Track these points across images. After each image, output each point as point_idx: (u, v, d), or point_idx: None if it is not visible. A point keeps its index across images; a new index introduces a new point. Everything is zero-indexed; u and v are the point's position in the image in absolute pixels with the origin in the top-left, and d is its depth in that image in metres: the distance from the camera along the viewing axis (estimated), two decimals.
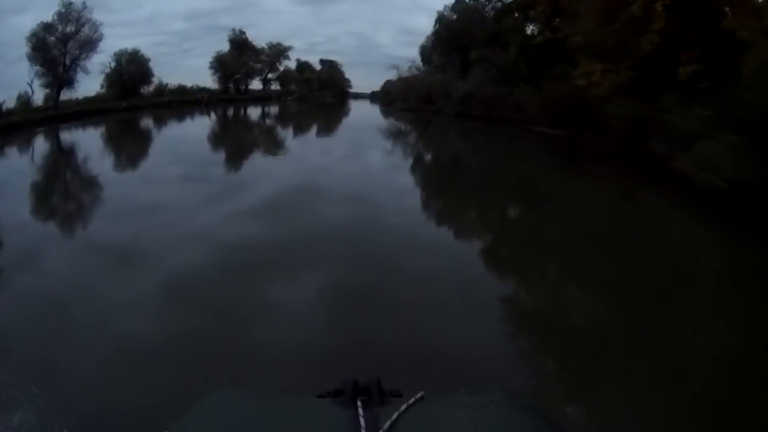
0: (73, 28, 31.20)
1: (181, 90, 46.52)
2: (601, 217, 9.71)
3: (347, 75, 71.67)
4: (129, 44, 41.70)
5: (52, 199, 10.83)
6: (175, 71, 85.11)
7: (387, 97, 57.54)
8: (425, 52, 46.08)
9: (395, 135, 26.26)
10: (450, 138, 26.74)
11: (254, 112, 42.60)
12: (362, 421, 0.73)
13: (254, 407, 0.84)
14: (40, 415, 3.12)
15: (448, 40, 38.39)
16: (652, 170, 12.56)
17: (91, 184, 12.16)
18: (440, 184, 13.48)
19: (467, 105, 32.17)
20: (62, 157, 16.89)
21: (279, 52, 57.39)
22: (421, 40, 46.68)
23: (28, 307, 4.87)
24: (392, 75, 51.41)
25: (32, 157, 17.05)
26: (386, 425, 0.72)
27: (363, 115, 46.18)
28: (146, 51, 42.27)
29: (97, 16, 32.24)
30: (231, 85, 53.96)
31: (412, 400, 0.80)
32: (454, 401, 0.88)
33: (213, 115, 37.37)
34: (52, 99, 30.75)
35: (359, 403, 0.79)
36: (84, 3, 31.30)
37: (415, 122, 34.45)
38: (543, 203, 11.00)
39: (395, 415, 0.74)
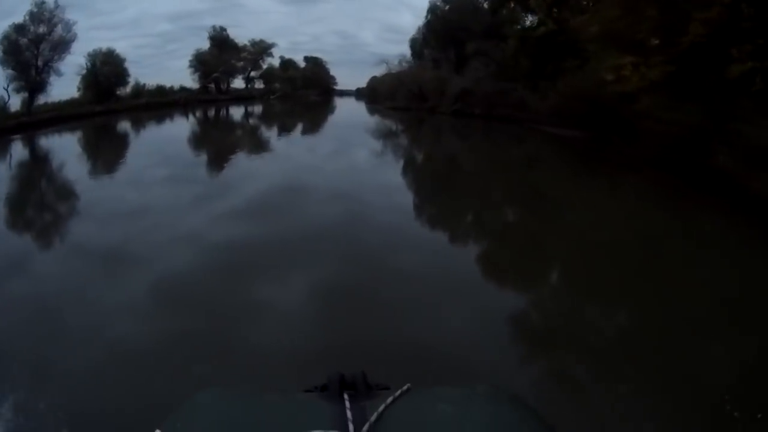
0: (45, 29, 29.94)
1: (160, 91, 44.64)
2: (658, 252, 7.20)
3: (332, 72, 71.16)
4: (113, 46, 40.60)
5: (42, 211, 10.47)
6: (160, 73, 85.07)
7: (373, 95, 56.49)
8: (416, 46, 43.59)
9: (386, 138, 23.66)
10: (448, 140, 24.59)
11: (236, 113, 40.98)
12: (349, 414, 0.75)
13: (242, 404, 0.86)
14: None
15: (442, 33, 36.22)
16: (711, 187, 10.24)
17: (72, 194, 11.52)
18: (440, 198, 11.45)
19: (465, 102, 30.26)
20: (44, 169, 15.80)
21: (262, 49, 55.64)
22: (406, 37, 45.35)
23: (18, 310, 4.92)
24: (380, 71, 48.74)
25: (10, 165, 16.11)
26: (373, 417, 0.74)
27: (349, 113, 44.38)
28: (130, 53, 41.45)
29: (81, 18, 31.39)
30: (212, 85, 52.35)
31: (398, 392, 0.83)
32: (439, 393, 0.91)
33: (191, 117, 35.49)
34: (27, 104, 29.46)
35: (346, 397, 0.81)
36: (56, 1, 30.05)
37: (408, 121, 32.55)
38: (570, 227, 8.76)
39: (381, 408, 0.77)
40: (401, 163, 16.63)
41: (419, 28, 42.44)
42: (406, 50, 45.35)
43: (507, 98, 26.65)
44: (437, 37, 37.60)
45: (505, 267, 6.86)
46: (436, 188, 12.64)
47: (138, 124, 29.57)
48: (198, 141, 22.48)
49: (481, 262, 6.94)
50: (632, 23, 13.03)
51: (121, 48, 40.82)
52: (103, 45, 40.13)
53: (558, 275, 6.74)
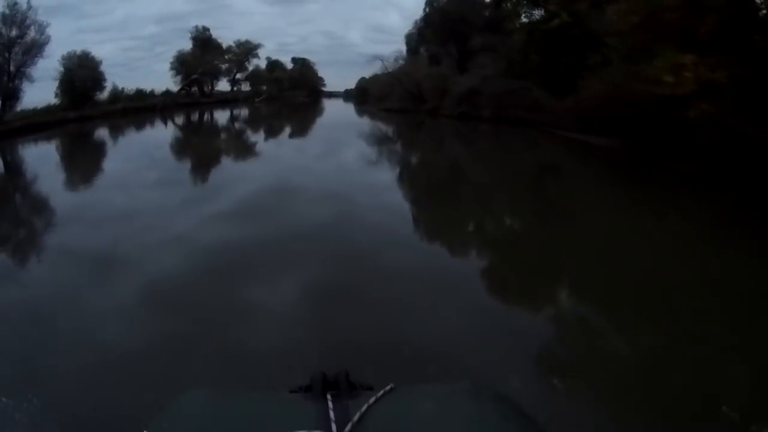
0: (17, 32, 28.37)
1: (139, 95, 42.50)
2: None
3: (320, 73, 70.67)
4: (100, 50, 39.65)
5: None
6: (148, 76, 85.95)
7: (362, 96, 55.35)
8: (411, 42, 41.47)
9: (382, 147, 20.45)
10: (454, 148, 21.91)
11: (220, 118, 39.20)
12: (332, 414, 0.78)
13: (227, 405, 0.88)
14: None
15: (441, 26, 33.81)
16: None
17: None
18: (449, 226, 8.89)
19: (471, 103, 27.84)
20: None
21: (247, 50, 54.13)
22: (393, 37, 43.67)
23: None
24: (373, 69, 45.57)
25: None
26: (355, 417, 0.77)
27: (339, 116, 42.26)
28: (119, 56, 40.83)
29: (68, 22, 30.57)
30: (195, 88, 50.47)
31: (381, 392, 0.86)
32: (422, 392, 0.94)
33: (170, 124, 33.38)
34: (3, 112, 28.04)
35: (329, 397, 0.84)
36: (29, 2, 28.53)
37: (406, 125, 30.33)
38: (618, 267, 6.49)
39: (364, 407, 0.79)
40: (401, 182, 13.69)
41: (416, 22, 40.00)
42: (393, 50, 43.41)
43: (520, 99, 24.56)
44: (436, 31, 35.23)
45: (525, 323, 5.07)
46: (443, 215, 10.02)
47: (116, 131, 28.28)
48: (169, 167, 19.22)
49: (496, 316, 5.16)
50: (690, 14, 12.01)
51: (109, 51, 40.46)
52: (92, 48, 39.01)
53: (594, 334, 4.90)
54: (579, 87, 20.03)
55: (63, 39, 30.21)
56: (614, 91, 16.15)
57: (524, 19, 28.05)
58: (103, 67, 38.96)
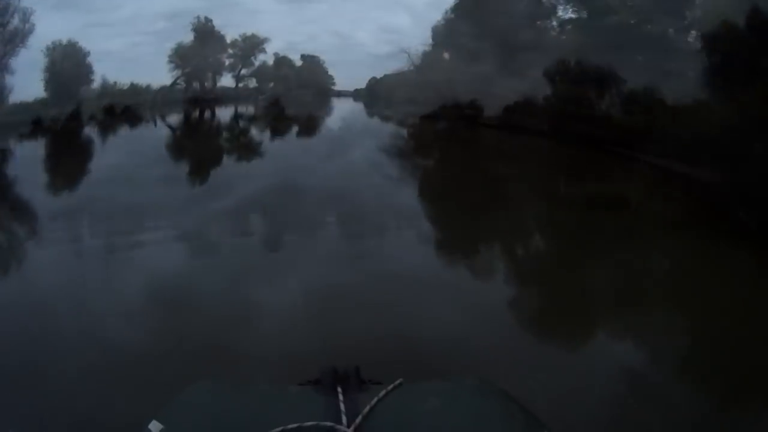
0: None
1: (133, 90, 40.47)
2: None
3: (329, 72, 69.89)
4: (109, 45, 38.55)
5: None
6: (157, 71, 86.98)
7: (374, 97, 53.82)
8: (438, 36, 36.86)
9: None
10: (506, 173, 18.89)
11: (209, 120, 39.30)
12: (342, 407, 0.84)
13: (236, 396, 0.94)
14: None
15: (478, 17, 30.61)
16: None
17: None
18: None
19: (522, 112, 25.05)
20: None
21: (253, 44, 51.39)
22: (402, 38, 41.12)
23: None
24: (394, 65, 41.69)
25: None
26: (365, 410, 0.82)
27: (352, 122, 40.50)
28: (127, 51, 40.33)
29: (76, 16, 34.75)
30: (195, 83, 47.26)
31: (390, 386, 0.93)
32: (430, 387, 1.00)
33: (159, 126, 32.80)
34: None
35: (339, 390, 0.90)
36: None
37: (441, 138, 28.21)
38: None
39: (374, 401, 0.86)
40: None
41: (446, 12, 35.84)
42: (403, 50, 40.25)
43: (584, 110, 21.45)
44: (472, 23, 31.64)
45: None
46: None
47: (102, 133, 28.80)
48: None
49: None
50: None
51: (118, 46, 40.26)
52: (99, 44, 37.33)
53: None
54: (663, 98, 17.74)
55: (72, 33, 29.96)
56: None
57: (572, 15, 26.60)
58: (90, 60, 36.76)
